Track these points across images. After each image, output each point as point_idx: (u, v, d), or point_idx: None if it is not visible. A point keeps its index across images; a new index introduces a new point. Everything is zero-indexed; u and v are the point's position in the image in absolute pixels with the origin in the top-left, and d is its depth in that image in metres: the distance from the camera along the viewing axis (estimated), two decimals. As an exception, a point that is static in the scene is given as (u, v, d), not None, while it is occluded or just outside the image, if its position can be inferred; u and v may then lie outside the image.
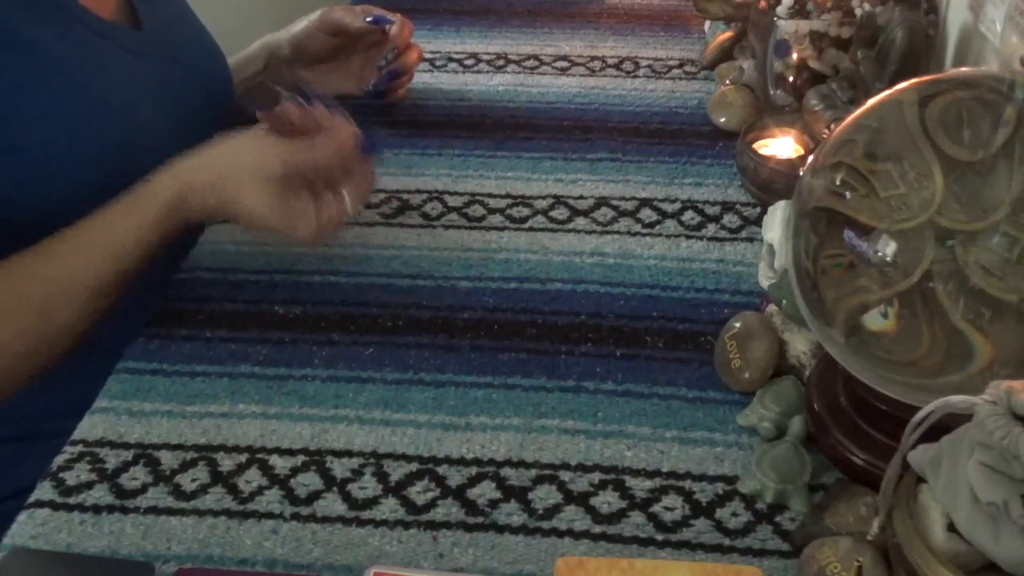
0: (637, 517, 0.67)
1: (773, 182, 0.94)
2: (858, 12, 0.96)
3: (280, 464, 0.71)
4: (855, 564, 0.58)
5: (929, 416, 0.54)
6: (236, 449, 0.73)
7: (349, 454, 0.72)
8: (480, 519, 0.67)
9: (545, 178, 1.02)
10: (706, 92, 1.16)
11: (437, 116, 1.14)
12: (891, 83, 0.73)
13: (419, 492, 0.69)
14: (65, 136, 0.83)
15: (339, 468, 0.71)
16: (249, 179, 0.80)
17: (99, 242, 0.80)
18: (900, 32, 0.90)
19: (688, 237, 0.93)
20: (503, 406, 0.76)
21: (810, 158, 0.68)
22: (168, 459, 0.72)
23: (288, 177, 0.79)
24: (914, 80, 0.65)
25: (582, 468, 0.71)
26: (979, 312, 0.60)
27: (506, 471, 0.71)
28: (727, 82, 1.14)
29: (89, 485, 0.70)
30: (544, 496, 0.69)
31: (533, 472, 0.70)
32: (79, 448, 0.73)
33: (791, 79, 1.02)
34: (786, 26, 1.00)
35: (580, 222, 0.95)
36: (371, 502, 0.69)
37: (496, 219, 0.96)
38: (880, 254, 0.62)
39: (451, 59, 1.26)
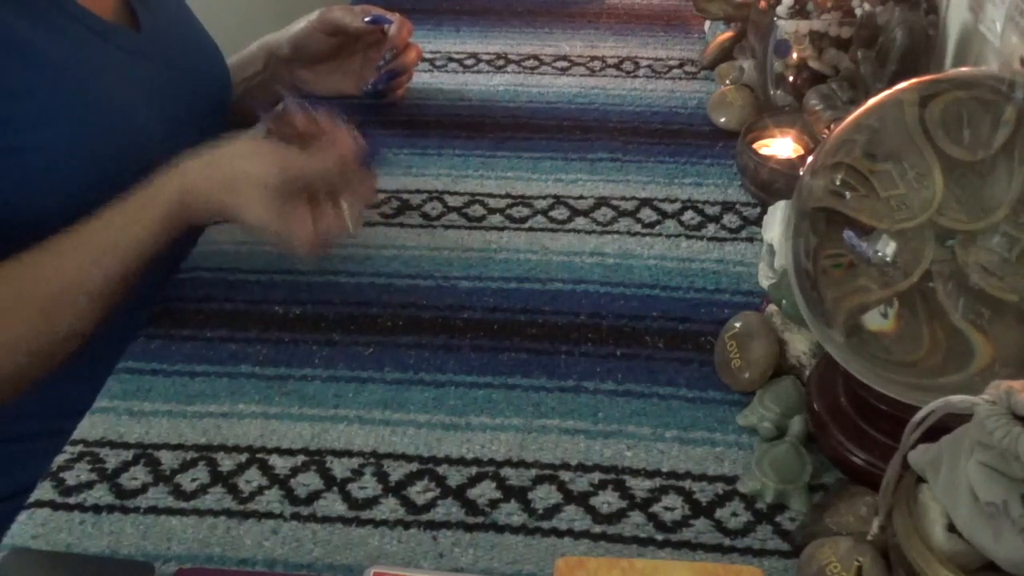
0: (637, 517, 0.67)
1: (773, 182, 0.94)
2: (858, 12, 0.96)
3: (280, 464, 0.71)
4: (855, 564, 0.58)
5: (929, 416, 0.54)
6: (236, 449, 0.73)
7: (349, 454, 0.72)
8: (480, 519, 0.67)
9: (545, 178, 1.02)
10: (706, 92, 1.16)
11: (437, 116, 1.13)
12: (891, 83, 0.73)
13: (419, 492, 0.69)
14: (64, 137, 0.83)
15: (339, 468, 0.71)
16: (249, 185, 0.79)
17: (101, 243, 0.80)
18: (900, 32, 0.90)
19: (688, 237, 0.93)
20: (503, 406, 0.76)
21: (810, 158, 0.68)
22: (168, 459, 0.72)
23: (287, 185, 0.79)
24: (914, 80, 0.65)
25: (582, 468, 0.71)
26: (979, 312, 0.60)
27: (506, 471, 0.71)
28: (727, 82, 1.13)
29: (89, 485, 0.70)
30: (544, 496, 0.69)
31: (533, 472, 0.70)
32: (79, 448, 0.73)
33: (791, 79, 1.02)
34: (786, 26, 1.00)
35: (580, 222, 0.95)
36: (371, 502, 0.69)
37: (496, 219, 0.96)
38: (880, 254, 0.62)
39: (451, 59, 1.26)
